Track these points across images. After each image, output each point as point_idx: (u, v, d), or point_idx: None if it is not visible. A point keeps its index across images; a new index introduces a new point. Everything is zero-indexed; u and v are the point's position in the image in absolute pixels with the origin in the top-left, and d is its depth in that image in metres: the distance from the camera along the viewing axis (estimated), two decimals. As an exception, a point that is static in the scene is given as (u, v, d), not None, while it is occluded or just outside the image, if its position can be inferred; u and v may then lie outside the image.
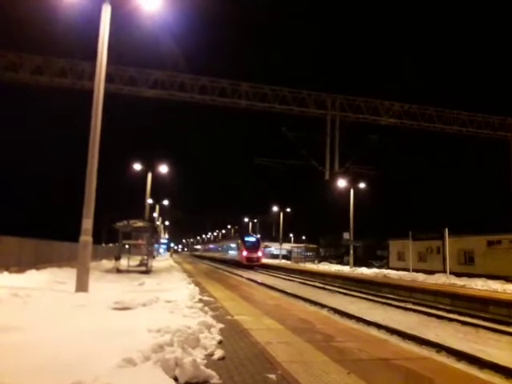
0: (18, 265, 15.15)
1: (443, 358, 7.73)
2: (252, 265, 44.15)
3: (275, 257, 69.53)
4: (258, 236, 55.83)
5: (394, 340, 9.00)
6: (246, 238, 48.86)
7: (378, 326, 11.10)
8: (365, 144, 28.14)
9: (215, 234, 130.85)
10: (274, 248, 75.62)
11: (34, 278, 12.76)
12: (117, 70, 23.37)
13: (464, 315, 13.53)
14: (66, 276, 13.57)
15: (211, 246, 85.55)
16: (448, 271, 23.80)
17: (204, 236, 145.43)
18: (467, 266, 29.27)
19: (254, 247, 46.87)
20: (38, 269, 15.40)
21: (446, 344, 8.99)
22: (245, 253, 45.87)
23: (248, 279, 24.51)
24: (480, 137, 28.34)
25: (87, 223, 10.81)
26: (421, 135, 30.66)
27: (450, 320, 12.77)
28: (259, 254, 47.25)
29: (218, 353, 5.23)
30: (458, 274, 24.47)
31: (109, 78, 18.43)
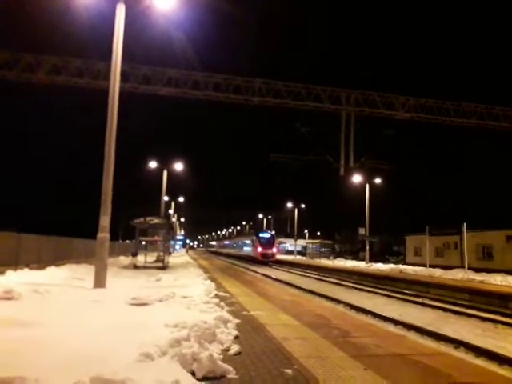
0: (38, 261, 15.47)
1: (461, 354, 7.63)
2: (267, 261, 44.21)
3: (290, 253, 69.54)
4: (273, 232, 55.85)
5: (412, 336, 8.92)
6: (261, 235, 48.97)
7: (395, 322, 11.02)
8: (380, 139, 27.89)
9: (230, 230, 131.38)
10: (289, 244, 75.66)
11: (53, 275, 13.00)
12: (131, 68, 23.58)
13: (483, 311, 13.33)
14: (84, 272, 13.81)
15: (226, 242, 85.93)
16: (466, 266, 23.45)
17: (219, 232, 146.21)
18: (485, 261, 28.81)
19: (268, 243, 46.95)
20: (57, 265, 15.69)
21: (465, 340, 8.88)
22: (259, 249, 45.98)
23: (263, 275, 24.56)
24: (499, 130, 27.79)
25: (105, 220, 10.97)
26: (438, 129, 30.25)
27: (469, 316, 12.60)
28: (274, 250, 47.32)
29: (235, 348, 5.26)
30: (477, 270, 24.08)
31: (124, 77, 18.58)
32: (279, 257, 50.64)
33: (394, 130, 28.16)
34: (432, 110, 26.73)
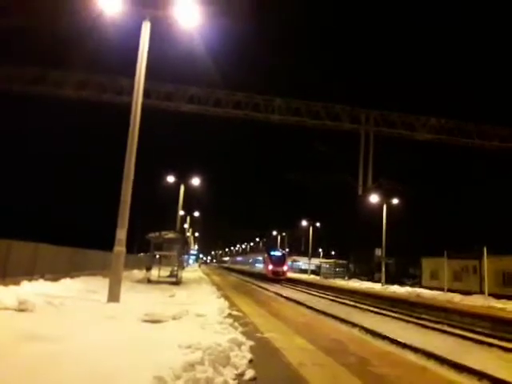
0: (53, 272, 15.50)
1: (485, 388, 7.30)
2: (278, 278, 44.17)
3: (304, 271, 68.74)
4: (284, 251, 55.95)
5: (432, 365, 8.59)
6: (272, 253, 49.43)
7: (414, 350, 10.65)
8: (399, 159, 27.64)
9: (243, 246, 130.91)
10: (303, 262, 74.89)
11: (67, 287, 13.04)
12: (154, 85, 24.00)
13: (506, 340, 12.81)
14: (99, 285, 13.79)
15: (239, 258, 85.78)
16: (486, 292, 22.74)
17: (232, 248, 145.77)
18: (506, 287, 27.89)
19: (279, 261, 47.24)
20: (71, 277, 15.73)
21: (488, 372, 8.49)
22: (270, 266, 46.29)
23: (276, 293, 24.26)
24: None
25: (121, 233, 10.95)
26: (458, 150, 29.85)
27: (491, 345, 12.11)
28: (284, 268, 47.70)
29: (249, 373, 5.10)
30: (497, 296, 23.32)
31: (146, 93, 18.89)
32: (292, 275, 50.25)
33: (413, 150, 27.91)
34: (453, 131, 26.43)
